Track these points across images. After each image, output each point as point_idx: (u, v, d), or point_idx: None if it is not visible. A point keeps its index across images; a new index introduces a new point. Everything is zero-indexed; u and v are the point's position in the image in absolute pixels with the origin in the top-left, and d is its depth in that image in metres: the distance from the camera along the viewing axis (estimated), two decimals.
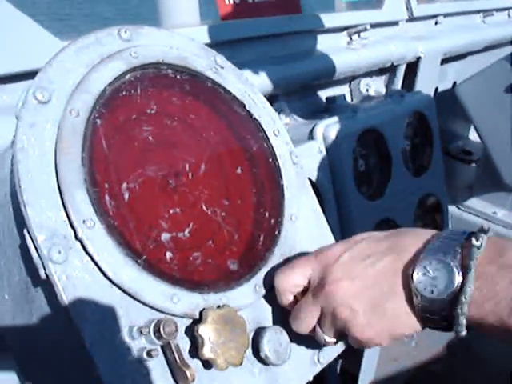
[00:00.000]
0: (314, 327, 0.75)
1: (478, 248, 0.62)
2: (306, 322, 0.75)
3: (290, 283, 0.75)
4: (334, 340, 0.75)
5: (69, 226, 0.64)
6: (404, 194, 1.66)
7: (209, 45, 1.37)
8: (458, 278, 0.62)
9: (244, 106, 0.85)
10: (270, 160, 0.86)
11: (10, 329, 0.79)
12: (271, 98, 1.58)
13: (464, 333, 0.64)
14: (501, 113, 2.11)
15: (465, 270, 0.62)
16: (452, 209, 2.47)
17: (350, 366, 2.04)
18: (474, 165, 2.66)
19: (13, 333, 0.79)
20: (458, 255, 0.63)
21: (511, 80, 2.05)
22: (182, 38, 0.84)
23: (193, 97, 0.81)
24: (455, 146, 2.80)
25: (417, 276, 0.65)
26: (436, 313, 0.65)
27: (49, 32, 1.07)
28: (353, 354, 2.04)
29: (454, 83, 2.55)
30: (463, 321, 0.62)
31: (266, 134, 0.86)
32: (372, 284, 0.69)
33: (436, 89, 2.49)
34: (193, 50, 0.84)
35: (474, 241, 0.62)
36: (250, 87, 0.89)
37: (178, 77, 0.80)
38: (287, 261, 0.81)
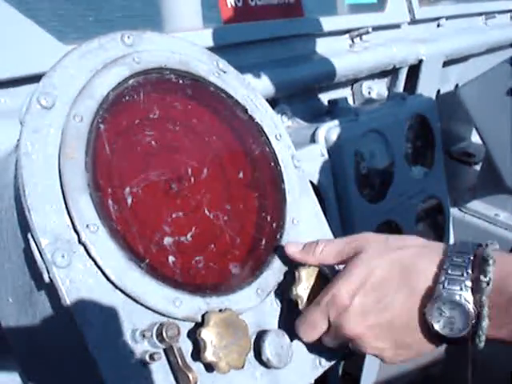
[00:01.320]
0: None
1: (487, 284, 0.65)
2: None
3: (312, 337, 0.77)
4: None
5: (72, 230, 0.64)
6: (406, 196, 1.67)
7: (211, 48, 1.38)
8: (474, 316, 0.66)
9: (246, 111, 0.86)
10: (272, 164, 0.86)
11: (13, 331, 0.79)
12: (273, 101, 1.58)
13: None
14: (502, 115, 2.11)
15: (478, 307, 0.65)
16: (454, 211, 2.47)
17: (351, 368, 2.04)
18: (476, 167, 2.67)
19: (16, 335, 0.80)
20: (470, 291, 0.66)
21: None
22: (185, 43, 0.84)
23: (195, 101, 0.81)
24: (457, 148, 2.80)
25: (433, 317, 0.68)
26: (456, 341, 0.69)
27: (52, 36, 1.07)
28: (355, 357, 2.04)
29: (456, 85, 2.56)
30: (481, 345, 0.66)
31: (267, 138, 0.87)
32: (390, 326, 0.71)
33: (438, 91, 2.49)
34: (195, 55, 0.84)
35: (482, 278, 0.65)
36: (252, 92, 0.89)
37: (181, 82, 0.81)
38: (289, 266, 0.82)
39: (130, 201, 0.70)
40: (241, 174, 0.82)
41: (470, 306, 0.66)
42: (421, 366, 2.14)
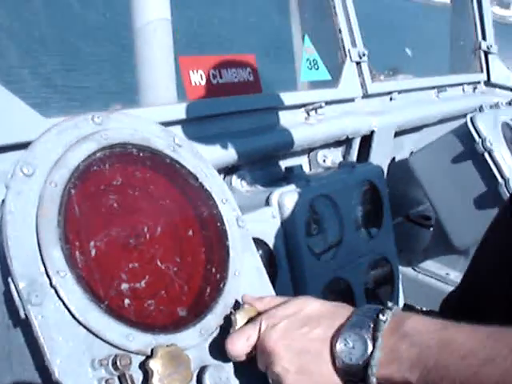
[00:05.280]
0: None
1: (384, 322, 0.81)
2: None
3: (241, 350, 0.90)
4: None
5: (45, 275, 0.79)
6: (355, 255, 1.83)
7: (180, 121, 1.56)
8: (371, 347, 0.80)
9: (197, 179, 1.02)
10: (219, 224, 1.02)
11: None
12: (235, 168, 1.75)
13: None
14: (449, 181, 2.31)
15: (375, 341, 0.80)
16: (408, 271, 2.64)
17: None
18: (432, 229, 2.84)
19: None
20: (370, 329, 0.82)
21: (457, 151, 2.26)
22: (146, 122, 1.01)
23: (153, 171, 0.97)
24: (416, 211, 2.99)
25: (339, 346, 0.83)
26: (354, 375, 0.82)
27: (35, 111, 1.24)
28: None
29: (412, 153, 2.76)
30: (373, 380, 0.79)
31: (215, 202, 1.02)
32: (304, 349, 0.85)
33: (393, 158, 2.69)
34: (155, 132, 1.00)
35: (381, 316, 0.81)
36: (203, 162, 1.05)
37: (141, 155, 0.96)
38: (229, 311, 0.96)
39: (93, 252, 0.84)
40: (190, 232, 0.97)
41: (368, 338, 0.81)
42: None
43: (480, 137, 2.17)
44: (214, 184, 1.04)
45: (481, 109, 2.34)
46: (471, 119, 2.20)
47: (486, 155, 2.17)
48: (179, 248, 0.96)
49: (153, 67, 2.16)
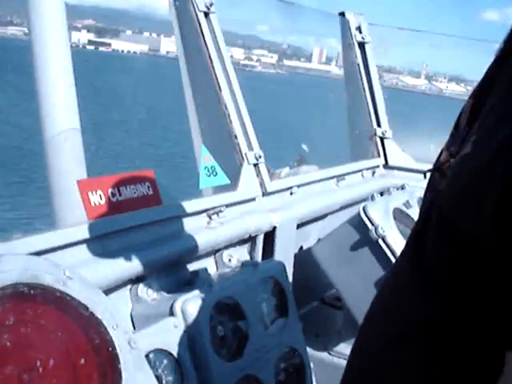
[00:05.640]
0: None
1: None
2: None
3: None
4: None
5: None
6: (263, 351, 1.91)
7: (83, 241, 1.64)
8: None
9: (87, 308, 1.11)
10: (110, 349, 1.10)
11: None
12: (140, 278, 1.83)
13: None
14: (351, 267, 2.45)
15: None
16: (324, 355, 2.74)
17: None
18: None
19: None
20: None
21: (354, 239, 2.42)
22: (36, 260, 1.09)
23: (44, 306, 1.05)
24: (330, 294, 3.11)
25: None
26: None
27: None
28: None
29: (318, 239, 2.92)
30: None
31: (106, 328, 1.11)
32: None
33: (301, 246, 2.84)
34: (44, 269, 1.09)
35: None
36: (93, 291, 1.14)
37: (32, 292, 1.05)
38: None
39: None
40: (83, 360, 1.05)
41: None
42: None
43: (373, 225, 2.35)
44: (105, 311, 1.13)
45: (372, 198, 2.53)
46: (363, 209, 2.37)
47: (380, 241, 2.34)
48: (73, 376, 1.03)
49: (65, 180, 2.26)
